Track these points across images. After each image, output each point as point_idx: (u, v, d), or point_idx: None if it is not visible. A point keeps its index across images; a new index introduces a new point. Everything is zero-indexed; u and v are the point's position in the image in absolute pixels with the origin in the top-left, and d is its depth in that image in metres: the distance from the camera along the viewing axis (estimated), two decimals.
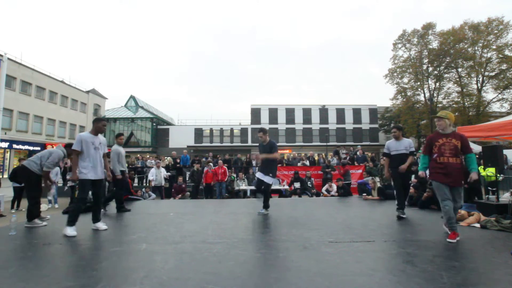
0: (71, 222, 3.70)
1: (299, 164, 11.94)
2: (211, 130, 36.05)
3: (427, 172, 3.75)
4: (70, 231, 3.64)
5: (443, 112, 3.58)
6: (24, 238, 3.58)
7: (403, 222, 4.37)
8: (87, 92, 31.33)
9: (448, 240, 3.21)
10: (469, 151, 3.45)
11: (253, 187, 9.92)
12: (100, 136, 4.19)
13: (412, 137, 29.76)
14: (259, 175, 5.24)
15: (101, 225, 4.05)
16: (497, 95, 26.29)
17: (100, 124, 4.13)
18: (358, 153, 12.45)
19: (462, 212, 4.36)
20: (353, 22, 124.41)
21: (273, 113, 36.47)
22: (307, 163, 12.03)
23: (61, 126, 26.99)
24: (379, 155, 26.57)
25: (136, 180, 11.62)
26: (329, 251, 2.91)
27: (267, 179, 5.07)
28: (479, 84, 27.13)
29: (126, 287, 2.07)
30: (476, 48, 26.96)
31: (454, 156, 3.38)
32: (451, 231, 3.29)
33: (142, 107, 37.30)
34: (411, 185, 6.19)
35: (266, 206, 5.20)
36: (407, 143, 4.73)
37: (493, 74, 26.16)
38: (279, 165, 11.75)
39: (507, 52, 24.92)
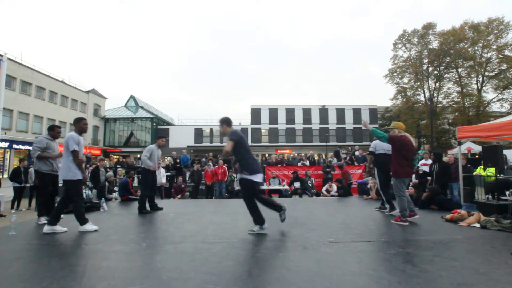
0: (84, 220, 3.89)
1: (299, 164, 11.94)
2: (211, 130, 36.01)
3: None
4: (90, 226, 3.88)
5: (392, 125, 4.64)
6: (24, 238, 3.58)
7: None
8: (87, 92, 31.31)
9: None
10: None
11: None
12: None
13: (412, 137, 29.71)
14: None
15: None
16: (497, 95, 26.26)
17: (81, 124, 4.09)
18: (357, 153, 12.45)
19: (462, 212, 4.36)
20: (353, 22, 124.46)
21: (273, 113, 36.45)
22: (307, 163, 12.03)
23: (61, 126, 27.00)
24: None
25: (136, 180, 11.61)
26: (329, 251, 2.91)
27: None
28: (479, 84, 27.09)
29: (126, 287, 2.07)
30: (476, 48, 26.91)
31: None
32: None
33: (142, 107, 37.30)
34: (411, 185, 6.20)
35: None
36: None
37: (493, 74, 26.10)
38: (279, 165, 11.76)
39: (507, 52, 24.87)
